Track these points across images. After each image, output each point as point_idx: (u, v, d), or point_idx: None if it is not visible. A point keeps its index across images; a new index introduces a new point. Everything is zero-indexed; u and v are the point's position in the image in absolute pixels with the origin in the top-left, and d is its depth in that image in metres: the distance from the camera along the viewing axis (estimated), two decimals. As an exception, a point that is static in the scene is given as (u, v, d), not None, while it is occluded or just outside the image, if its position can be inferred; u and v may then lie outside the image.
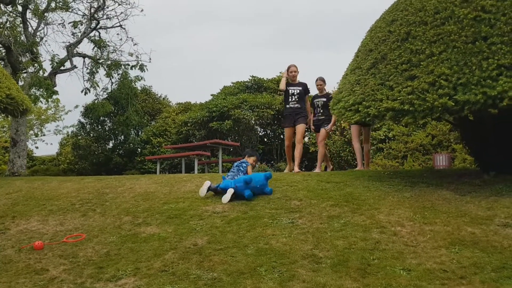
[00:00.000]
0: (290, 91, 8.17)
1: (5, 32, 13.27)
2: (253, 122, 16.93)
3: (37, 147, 36.73)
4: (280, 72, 18.80)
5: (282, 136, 18.45)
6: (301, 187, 5.99)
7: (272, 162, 18.05)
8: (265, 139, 18.83)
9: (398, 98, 5.05)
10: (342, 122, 13.65)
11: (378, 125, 13.16)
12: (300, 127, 8.10)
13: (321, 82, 8.73)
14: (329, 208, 5.01)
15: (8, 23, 14.55)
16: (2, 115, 13.39)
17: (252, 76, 18.75)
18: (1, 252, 4.38)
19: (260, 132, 18.76)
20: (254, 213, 5.01)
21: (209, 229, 4.59)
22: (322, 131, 8.38)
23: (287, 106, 8.27)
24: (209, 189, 5.69)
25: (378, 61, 5.66)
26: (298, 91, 8.16)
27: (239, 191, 5.46)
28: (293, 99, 8.14)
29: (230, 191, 5.44)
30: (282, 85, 8.21)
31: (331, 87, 6.13)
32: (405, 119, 5.21)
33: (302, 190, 5.82)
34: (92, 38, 16.01)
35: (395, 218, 4.53)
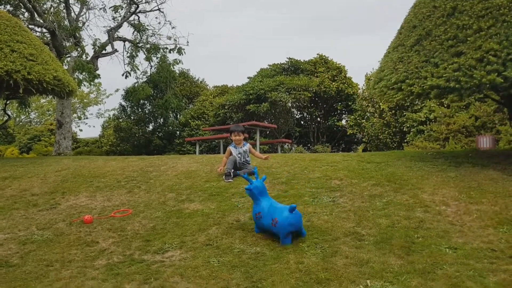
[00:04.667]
0: None
1: (50, 17, 13.69)
2: (290, 104, 16.86)
3: (81, 130, 38.07)
4: (318, 54, 18.58)
5: (319, 119, 18.35)
6: (341, 167, 5.96)
7: (309, 145, 17.98)
8: (302, 122, 18.75)
9: (444, 75, 4.91)
10: (381, 103, 13.41)
11: (419, 107, 12.84)
12: None
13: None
14: (371, 187, 4.97)
15: (52, 8, 15.01)
16: (49, 97, 13.90)
17: (289, 58, 18.63)
18: (53, 225, 4.59)
19: (296, 114, 18.69)
20: (295, 192, 5.03)
21: (250, 206, 4.64)
22: None
23: None
24: (233, 175, 5.73)
25: (422, 38, 5.50)
26: None
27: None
28: None
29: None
30: None
31: (369, 68, 5.66)
32: (450, 97, 5.08)
33: (342, 170, 5.79)
34: (132, 22, 16.32)
35: (440, 198, 4.45)
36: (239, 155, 5.93)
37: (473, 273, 3.04)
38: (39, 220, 4.77)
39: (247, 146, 6.08)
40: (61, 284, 3.31)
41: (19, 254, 3.94)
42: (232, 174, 5.67)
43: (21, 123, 26.45)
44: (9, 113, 15.05)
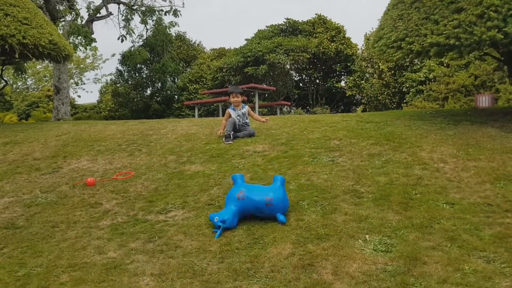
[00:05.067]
0: None
1: (42, -21, 13.34)
2: (288, 66, 16.70)
3: (79, 96, 37.82)
4: (316, 14, 18.25)
5: (317, 81, 18.22)
6: (341, 127, 5.99)
7: (308, 107, 17.94)
8: (301, 84, 18.62)
9: (444, 33, 4.85)
10: (381, 63, 13.29)
11: (418, 66, 12.74)
12: None
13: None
14: (370, 146, 5.01)
15: (43, -30, 14.57)
16: (45, 62, 13.75)
17: (287, 19, 18.29)
18: (57, 188, 4.66)
19: (295, 76, 18.54)
20: (294, 152, 5.07)
21: (251, 167, 4.70)
22: None
23: None
24: (233, 137, 5.74)
25: (423, -6, 5.40)
26: None
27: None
28: None
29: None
30: None
31: (368, 28, 5.60)
32: (450, 55, 5.05)
33: (341, 130, 5.82)
34: (126, -17, 15.90)
35: (438, 155, 4.50)
36: (238, 117, 5.94)
37: (469, 227, 3.12)
38: (42, 183, 4.83)
39: (246, 108, 6.09)
40: (67, 244, 3.39)
41: (24, 216, 4.01)
42: (232, 136, 5.70)
43: (18, 90, 26.25)
44: (6, 79, 14.92)
